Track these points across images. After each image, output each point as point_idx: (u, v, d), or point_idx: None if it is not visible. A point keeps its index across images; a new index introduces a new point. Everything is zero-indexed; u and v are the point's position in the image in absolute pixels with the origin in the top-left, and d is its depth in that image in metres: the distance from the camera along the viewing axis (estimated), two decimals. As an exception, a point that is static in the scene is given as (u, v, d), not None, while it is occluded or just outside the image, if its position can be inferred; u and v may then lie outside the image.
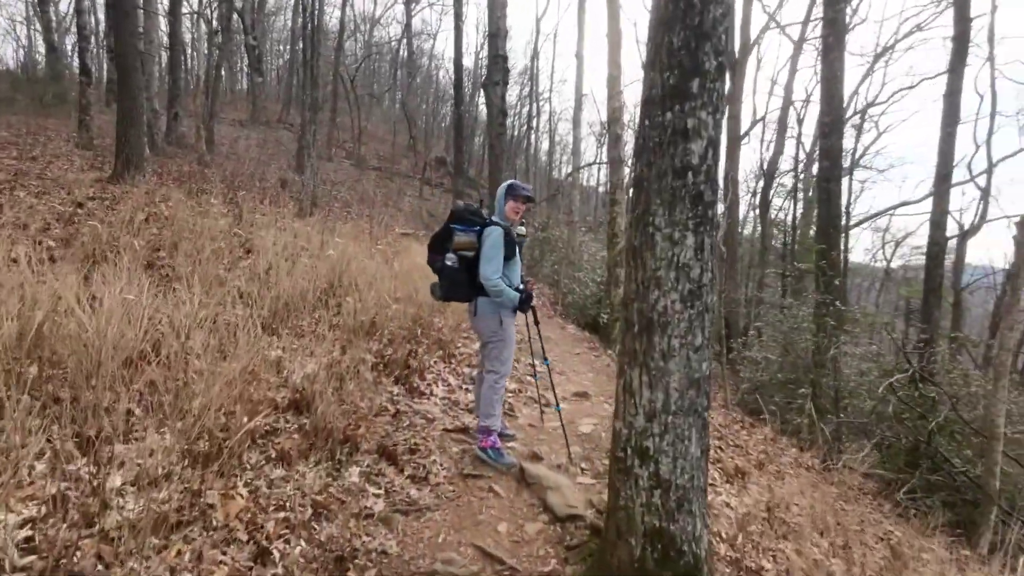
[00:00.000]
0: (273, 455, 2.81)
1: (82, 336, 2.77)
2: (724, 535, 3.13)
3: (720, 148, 2.14)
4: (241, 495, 2.44)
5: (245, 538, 2.25)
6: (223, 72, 25.00)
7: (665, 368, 2.06)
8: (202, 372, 3.09)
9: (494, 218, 3.39)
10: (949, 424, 5.80)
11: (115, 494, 2.18)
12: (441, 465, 3.36)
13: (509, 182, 3.47)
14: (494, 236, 3.23)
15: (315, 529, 2.46)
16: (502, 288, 3.24)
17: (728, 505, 3.65)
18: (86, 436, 2.41)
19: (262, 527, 2.34)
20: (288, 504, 2.52)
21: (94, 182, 8.64)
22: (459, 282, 3.35)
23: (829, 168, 9.30)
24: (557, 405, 3.96)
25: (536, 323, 3.90)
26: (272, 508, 2.47)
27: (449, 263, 3.33)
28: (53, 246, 5.13)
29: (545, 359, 4.04)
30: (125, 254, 4.17)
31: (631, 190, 2.26)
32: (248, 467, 2.69)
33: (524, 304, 3.38)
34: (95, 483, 2.15)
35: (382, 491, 2.94)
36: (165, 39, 18.54)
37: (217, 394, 2.76)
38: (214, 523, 2.25)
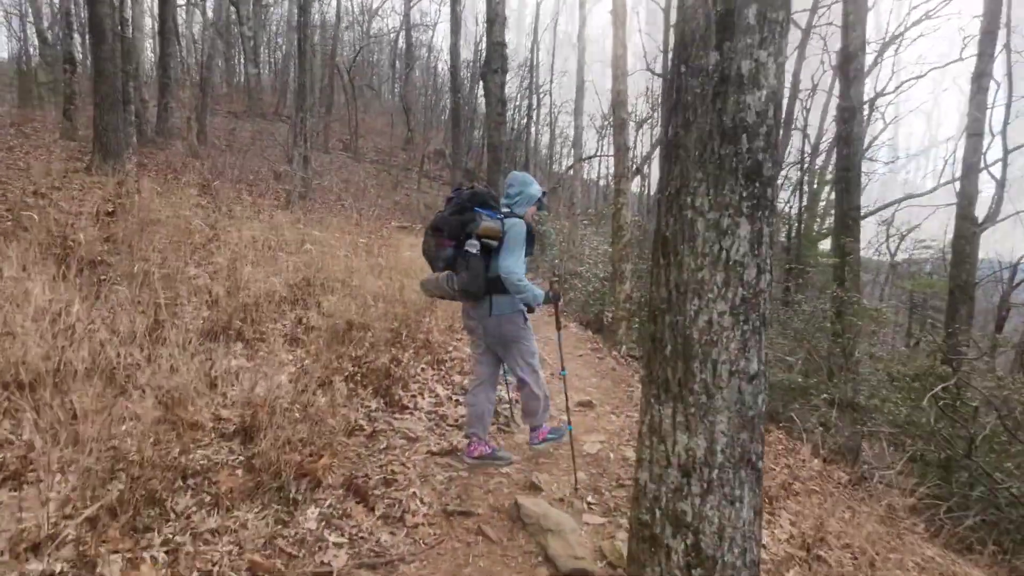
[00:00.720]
0: (207, 498, 2.27)
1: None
2: (763, 590, 2.59)
3: (783, 105, 1.58)
4: (153, 558, 1.90)
5: (149, 623, 1.72)
6: (219, 63, 24.40)
7: (709, 405, 1.50)
8: (138, 389, 2.56)
9: (515, 210, 3.10)
10: (994, 434, 5.26)
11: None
12: (421, 500, 2.82)
13: (542, 189, 3.22)
14: (519, 228, 2.98)
15: (250, 602, 1.93)
16: (526, 283, 2.91)
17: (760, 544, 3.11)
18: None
19: (176, 604, 1.80)
20: (217, 568, 1.98)
21: (67, 172, 8.12)
22: (479, 274, 2.93)
23: (848, 156, 8.73)
24: (568, 424, 3.43)
25: (559, 328, 3.49)
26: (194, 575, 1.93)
27: (473, 250, 2.92)
28: (-6, 240, 4.59)
29: (563, 369, 3.51)
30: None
31: (660, 162, 1.71)
32: (173, 515, 2.14)
33: (547, 301, 3.09)
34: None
35: (345, 539, 2.40)
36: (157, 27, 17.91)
37: (108, 422, 2.21)
38: (106, 605, 1.71)
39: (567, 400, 3.56)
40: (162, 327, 3.17)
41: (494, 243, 2.94)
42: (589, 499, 3.09)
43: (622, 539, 2.64)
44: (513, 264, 2.89)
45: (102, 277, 4.15)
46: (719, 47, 1.49)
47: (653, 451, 1.59)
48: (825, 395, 6.29)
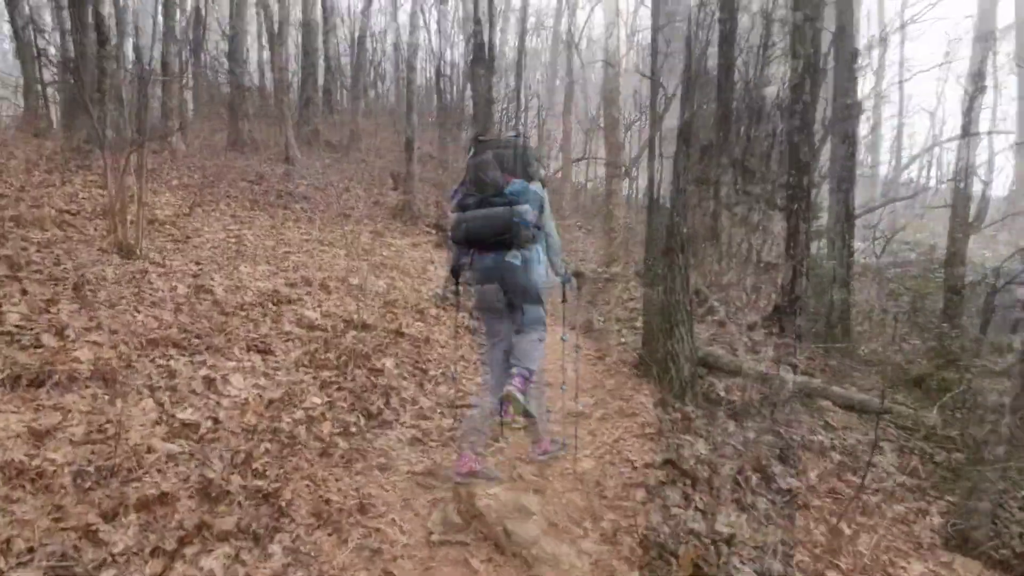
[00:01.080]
0: (153, 536, 1.99)
1: None
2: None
3: (820, 77, 1.35)
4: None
5: None
6: (206, 62, 23.95)
7: (738, 431, 1.27)
8: (72, 400, 2.27)
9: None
10: (1000, 439, 5.09)
11: None
12: (401, 528, 2.55)
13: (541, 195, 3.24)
14: (541, 236, 3.07)
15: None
16: (552, 280, 3.08)
17: None
18: None
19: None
20: (157, 622, 1.70)
21: (37, 171, 7.79)
22: (520, 282, 2.94)
23: (848, 155, 8.59)
24: (563, 385, 3.45)
25: (564, 301, 3.44)
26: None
27: (516, 261, 2.89)
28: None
29: (564, 335, 3.42)
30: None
31: (674, 148, 1.47)
32: (110, 558, 1.86)
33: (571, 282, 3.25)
34: None
35: (314, 578, 2.13)
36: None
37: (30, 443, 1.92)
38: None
39: (577, 365, 3.49)
40: (116, 332, 2.88)
41: (529, 253, 2.95)
42: (586, 524, 2.83)
43: (623, 572, 2.39)
44: (543, 270, 2.98)
45: (56, 277, 3.85)
46: (746, 9, 1.25)
47: (670, 484, 1.35)
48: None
